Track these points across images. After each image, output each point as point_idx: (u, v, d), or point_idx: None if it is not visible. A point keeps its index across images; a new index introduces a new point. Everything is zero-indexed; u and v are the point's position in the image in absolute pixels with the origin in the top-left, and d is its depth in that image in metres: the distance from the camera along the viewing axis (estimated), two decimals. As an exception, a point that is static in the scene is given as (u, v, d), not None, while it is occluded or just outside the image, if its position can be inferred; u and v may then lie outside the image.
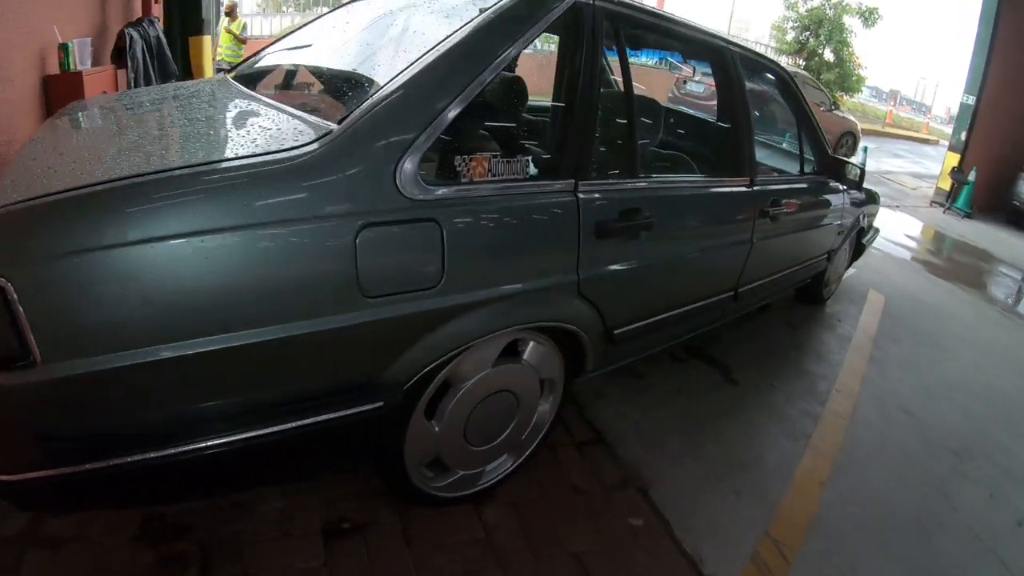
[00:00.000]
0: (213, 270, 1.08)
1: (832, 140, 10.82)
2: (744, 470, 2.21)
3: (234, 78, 2.03)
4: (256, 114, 1.57)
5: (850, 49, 19.73)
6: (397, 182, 1.27)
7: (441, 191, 1.34)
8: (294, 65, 2.15)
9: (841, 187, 3.23)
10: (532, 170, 1.54)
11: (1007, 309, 4.89)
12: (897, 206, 8.14)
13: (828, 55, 19.85)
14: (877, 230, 4.36)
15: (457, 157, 1.38)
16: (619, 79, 2.00)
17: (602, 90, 1.72)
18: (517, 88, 1.70)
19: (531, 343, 1.73)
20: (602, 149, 1.86)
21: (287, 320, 1.18)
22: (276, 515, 1.64)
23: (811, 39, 19.81)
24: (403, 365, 1.39)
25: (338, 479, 1.79)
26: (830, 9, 19.60)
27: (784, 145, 3.70)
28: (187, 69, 4.94)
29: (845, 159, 3.13)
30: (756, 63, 2.64)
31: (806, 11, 19.81)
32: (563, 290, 1.65)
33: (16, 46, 3.57)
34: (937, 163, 10.18)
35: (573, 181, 1.62)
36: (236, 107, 1.69)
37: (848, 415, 2.71)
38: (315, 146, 1.22)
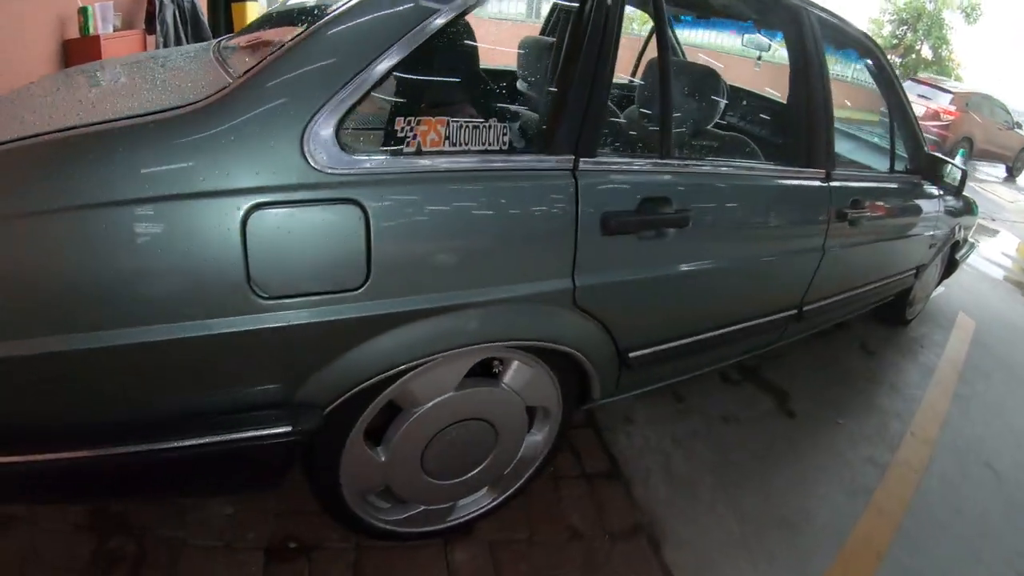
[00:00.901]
0: (45, 256, 0.86)
1: (1011, 156, 11.15)
2: (786, 529, 1.81)
3: (229, 36, 1.78)
4: (190, 74, 1.32)
5: (949, 46, 18.35)
6: (305, 150, 0.95)
7: (369, 163, 1.01)
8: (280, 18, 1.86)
9: (936, 191, 2.71)
10: (513, 139, 1.18)
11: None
12: (993, 219, 7.33)
13: (926, 51, 18.50)
14: (973, 245, 3.79)
15: (399, 119, 1.04)
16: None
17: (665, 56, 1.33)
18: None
19: (514, 363, 1.38)
20: (619, 119, 1.48)
21: (151, 322, 0.92)
22: (222, 523, 1.47)
23: (908, 33, 18.49)
24: (321, 384, 1.08)
25: (298, 489, 1.53)
26: (930, 2, 18.23)
27: (875, 139, 3.16)
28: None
29: (945, 158, 2.61)
30: (840, 31, 2.16)
31: (904, 3, 18.47)
32: (551, 301, 1.28)
33: (34, 9, 3.53)
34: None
35: (572, 157, 1.25)
36: (178, 69, 1.43)
37: (921, 467, 2.24)
38: (199, 104, 0.95)
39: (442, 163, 1.08)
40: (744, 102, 2.75)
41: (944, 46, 18.45)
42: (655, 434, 2.09)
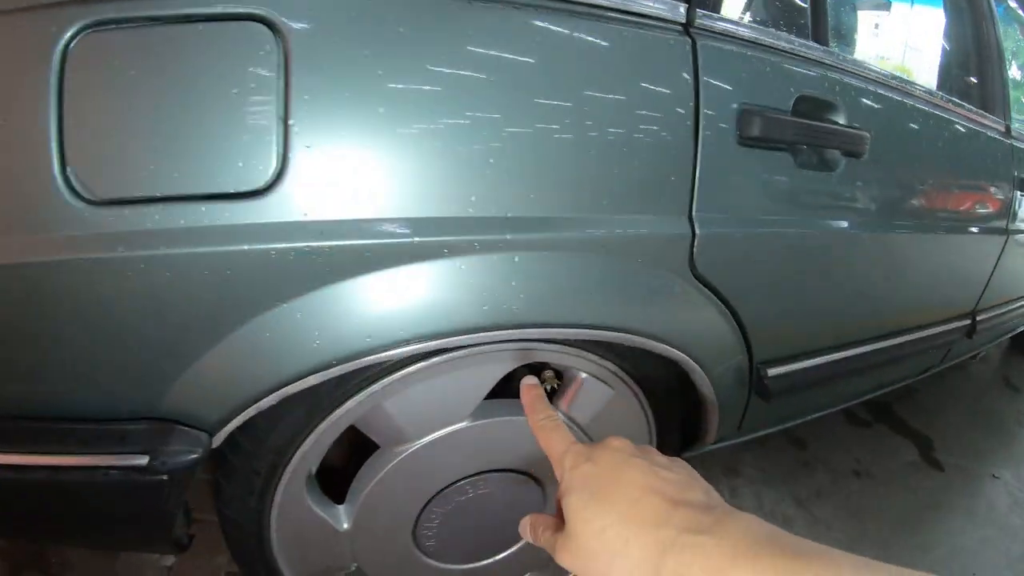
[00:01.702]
0: None
1: None
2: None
3: None
4: None
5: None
6: None
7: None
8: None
9: None
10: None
11: None
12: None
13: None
14: None
15: None
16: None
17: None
18: None
19: (580, 377, 0.83)
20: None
21: None
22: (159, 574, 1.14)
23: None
24: (203, 384, 0.57)
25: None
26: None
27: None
28: None
29: None
30: None
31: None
32: (650, 259, 0.73)
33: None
34: None
35: (684, 5, 0.72)
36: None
37: (1094, 538, 1.73)
38: None
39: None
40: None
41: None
42: (770, 492, 1.64)
